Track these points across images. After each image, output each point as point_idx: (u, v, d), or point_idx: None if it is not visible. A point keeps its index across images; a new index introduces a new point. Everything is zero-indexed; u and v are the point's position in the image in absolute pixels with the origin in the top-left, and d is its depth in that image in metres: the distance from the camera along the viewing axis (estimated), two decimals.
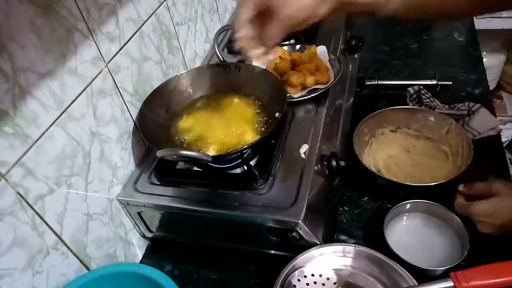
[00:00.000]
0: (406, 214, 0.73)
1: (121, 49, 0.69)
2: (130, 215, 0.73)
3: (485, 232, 0.64)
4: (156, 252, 0.79)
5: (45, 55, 0.53)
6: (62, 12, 0.55)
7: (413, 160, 0.83)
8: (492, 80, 1.75)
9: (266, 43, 0.58)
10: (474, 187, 0.68)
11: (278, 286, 0.58)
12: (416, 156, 0.84)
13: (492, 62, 1.68)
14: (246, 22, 0.57)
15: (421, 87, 0.97)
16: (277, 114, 0.70)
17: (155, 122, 0.73)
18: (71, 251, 0.60)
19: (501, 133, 0.87)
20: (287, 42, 0.96)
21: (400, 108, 0.86)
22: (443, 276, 0.54)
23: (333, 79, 0.81)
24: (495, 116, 0.89)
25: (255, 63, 0.73)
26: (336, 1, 0.58)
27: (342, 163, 0.71)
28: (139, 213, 0.72)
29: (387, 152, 0.86)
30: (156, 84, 0.78)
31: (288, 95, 0.76)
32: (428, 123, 0.85)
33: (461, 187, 0.70)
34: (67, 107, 0.58)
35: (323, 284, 0.61)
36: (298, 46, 0.92)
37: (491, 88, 1.50)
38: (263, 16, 0.57)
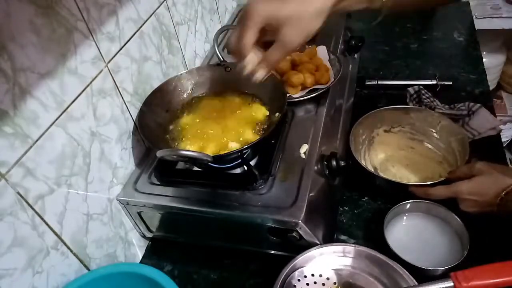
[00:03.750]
0: (406, 214, 0.73)
1: (121, 49, 0.69)
2: (130, 215, 0.73)
3: (468, 211, 0.65)
4: (156, 252, 0.79)
5: (45, 55, 0.53)
6: (62, 12, 0.55)
7: (409, 159, 0.84)
8: (492, 80, 1.75)
9: (268, 65, 0.59)
10: (457, 171, 0.70)
11: (278, 286, 0.58)
12: (412, 155, 0.84)
13: (492, 62, 1.68)
14: (251, 46, 0.57)
15: (421, 87, 0.97)
16: (277, 114, 0.70)
17: (155, 122, 0.73)
18: (71, 251, 0.60)
19: (501, 133, 0.87)
20: None
21: (393, 107, 0.86)
22: (443, 276, 0.54)
23: (333, 79, 0.81)
24: (495, 116, 0.89)
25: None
26: (329, 12, 0.57)
27: (342, 163, 0.71)
28: (139, 213, 0.72)
29: (382, 152, 0.86)
30: (156, 84, 0.78)
31: (288, 95, 0.76)
32: (421, 122, 0.85)
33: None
34: (67, 107, 0.58)
35: (323, 284, 0.61)
36: None
37: (491, 88, 1.50)
38: (263, 35, 0.57)
